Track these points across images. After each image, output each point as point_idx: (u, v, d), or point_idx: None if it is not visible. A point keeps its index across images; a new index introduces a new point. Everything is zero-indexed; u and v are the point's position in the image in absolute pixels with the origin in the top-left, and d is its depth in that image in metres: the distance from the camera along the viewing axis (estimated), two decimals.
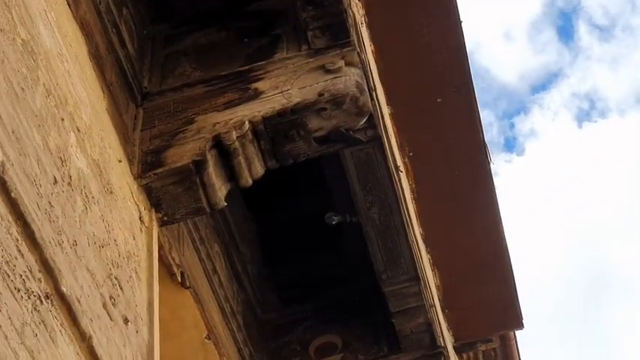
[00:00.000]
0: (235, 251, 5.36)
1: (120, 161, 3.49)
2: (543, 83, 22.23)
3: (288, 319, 5.67)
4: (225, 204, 3.74)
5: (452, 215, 5.89)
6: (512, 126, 20.33)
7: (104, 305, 3.04)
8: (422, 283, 5.23)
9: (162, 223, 3.86)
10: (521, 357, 7.76)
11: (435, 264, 6.10)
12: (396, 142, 5.42)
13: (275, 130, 3.73)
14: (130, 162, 3.60)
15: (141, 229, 3.67)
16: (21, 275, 2.37)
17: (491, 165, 5.69)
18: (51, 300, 2.53)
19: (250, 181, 3.79)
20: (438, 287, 6.27)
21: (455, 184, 5.73)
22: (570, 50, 20.91)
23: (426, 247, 5.96)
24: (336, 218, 5.01)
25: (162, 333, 4.48)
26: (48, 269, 2.54)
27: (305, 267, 5.74)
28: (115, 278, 3.22)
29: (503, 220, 6.06)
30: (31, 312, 2.38)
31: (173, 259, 4.16)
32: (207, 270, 4.72)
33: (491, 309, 6.39)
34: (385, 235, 5.00)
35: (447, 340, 6.06)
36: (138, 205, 3.54)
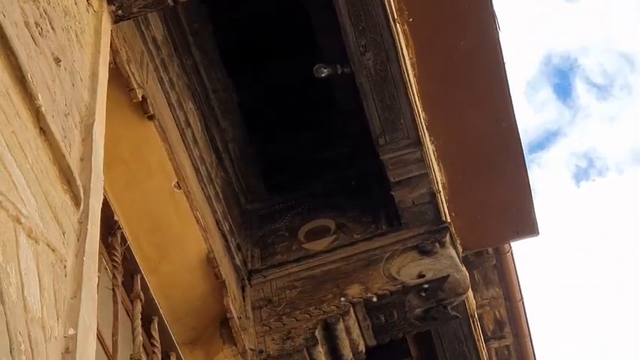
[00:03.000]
0: (215, 126, 4.76)
1: None
2: (541, 142, 21.95)
3: (276, 208, 5.05)
4: None
5: (457, 97, 5.28)
6: None
7: (26, 25, 2.45)
8: (425, 149, 4.61)
9: (116, 19, 3.30)
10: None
11: (440, 156, 5.48)
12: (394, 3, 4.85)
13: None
14: None
15: (87, 9, 3.10)
16: None
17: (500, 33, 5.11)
18: None
19: None
20: (444, 185, 5.63)
21: (460, 57, 5.13)
22: (568, 109, 20.80)
23: (430, 137, 5.34)
24: (325, 70, 4.41)
25: (125, 179, 3.88)
26: None
27: (292, 149, 5.14)
28: (45, 13, 2.64)
29: (514, 105, 5.46)
30: None
31: (132, 74, 3.57)
32: (177, 117, 4.12)
33: (502, 212, 5.74)
34: (382, 88, 4.40)
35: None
36: None
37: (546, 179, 19.67)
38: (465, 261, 7.33)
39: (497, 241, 5.89)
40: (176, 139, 4.02)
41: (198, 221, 4.02)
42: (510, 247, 6.98)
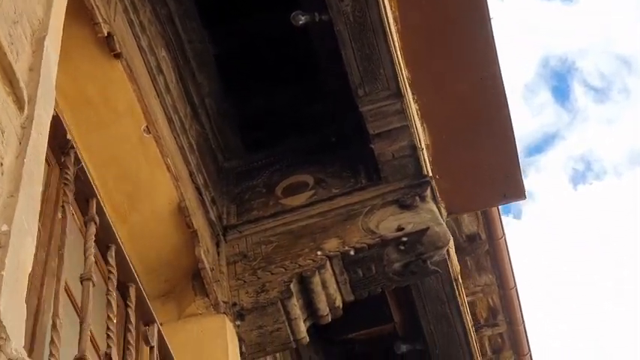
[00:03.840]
0: (191, 79, 4.63)
1: None
2: (539, 145, 21.70)
3: (254, 166, 4.92)
4: None
5: (441, 54, 5.15)
6: None
7: None
8: (405, 101, 4.49)
9: None
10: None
11: (423, 116, 5.35)
12: None
13: None
14: None
15: None
16: None
17: None
18: None
19: None
20: (427, 147, 5.51)
21: (444, 12, 5.00)
22: (566, 112, 20.61)
23: (413, 95, 5.21)
24: (303, 17, 4.28)
25: (91, 121, 3.76)
26: None
27: (270, 105, 5.00)
28: None
29: (501, 66, 5.34)
30: None
31: (97, 7, 3.43)
32: (148, 62, 3.98)
33: (488, 175, 5.62)
34: (361, 36, 4.26)
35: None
36: None
37: (544, 183, 19.54)
38: (458, 247, 7.25)
39: (484, 204, 5.78)
40: (146, 84, 3.89)
41: (169, 168, 3.89)
42: (504, 232, 6.88)
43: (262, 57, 4.87)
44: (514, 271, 7.00)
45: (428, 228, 4.20)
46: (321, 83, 4.83)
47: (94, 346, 2.72)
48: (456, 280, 5.23)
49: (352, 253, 4.18)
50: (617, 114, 20.26)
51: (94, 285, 2.34)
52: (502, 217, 6.76)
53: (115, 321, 2.49)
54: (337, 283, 4.21)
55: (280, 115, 5.00)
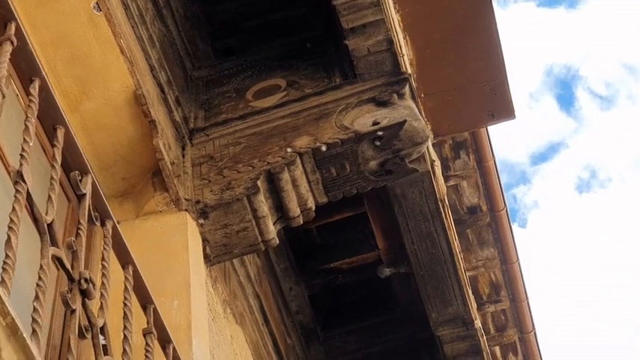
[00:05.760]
0: None
1: None
2: (544, 153, 21.37)
3: (224, 74, 4.64)
4: None
5: None
6: (513, 198, 19.38)
7: None
8: None
9: None
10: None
11: (406, 28, 5.07)
12: None
13: None
14: None
15: None
16: None
17: None
18: None
19: None
20: (411, 62, 5.22)
21: None
22: (572, 119, 20.26)
23: (395, 4, 4.93)
24: None
25: None
26: None
27: (242, 9, 4.72)
28: None
29: None
30: None
31: None
32: None
33: (475, 93, 5.33)
34: None
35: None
36: None
37: (549, 191, 19.18)
38: (458, 220, 6.98)
39: (472, 125, 5.49)
40: None
41: (122, 51, 3.61)
42: (505, 204, 6.60)
43: None
44: (516, 245, 6.73)
45: (404, 121, 3.91)
46: None
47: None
48: (442, 201, 4.94)
49: (324, 149, 3.90)
50: (622, 121, 19.89)
51: None
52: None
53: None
54: (309, 182, 3.93)
55: (253, 20, 4.72)
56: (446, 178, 6.53)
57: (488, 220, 6.68)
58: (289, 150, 3.92)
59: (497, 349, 7.40)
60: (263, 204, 3.79)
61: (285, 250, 5.32)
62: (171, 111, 4.06)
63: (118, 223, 3.68)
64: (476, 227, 6.92)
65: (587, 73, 20.59)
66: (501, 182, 6.51)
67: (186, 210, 3.73)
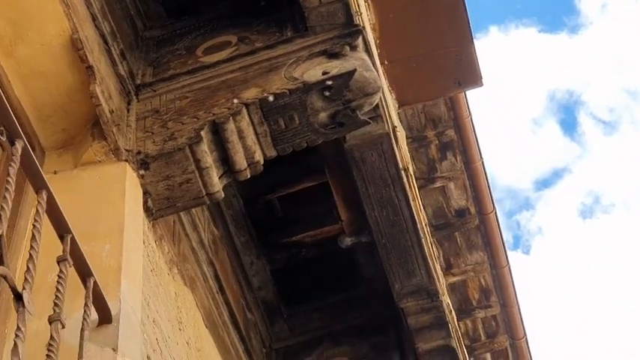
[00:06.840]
0: None
1: None
2: (547, 179, 21.21)
3: (176, 33, 4.52)
4: None
5: None
6: (517, 224, 19.25)
7: None
8: None
9: None
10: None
11: None
12: None
13: None
14: None
15: None
16: None
17: None
18: None
19: None
20: (373, 27, 5.11)
21: None
22: (575, 145, 20.16)
23: None
24: None
25: None
26: None
27: None
28: None
29: None
30: None
31: None
32: None
33: (441, 59, 5.22)
34: None
35: (390, 103, 4.88)
36: None
37: (553, 217, 19.02)
38: (446, 223, 6.83)
39: (438, 93, 5.39)
40: None
41: None
42: (494, 206, 6.46)
43: None
44: (506, 248, 6.61)
45: (354, 71, 3.78)
46: None
47: None
48: (406, 169, 4.81)
49: (271, 99, 3.76)
50: (625, 147, 19.76)
51: None
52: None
53: None
54: (256, 134, 3.80)
55: None
56: (432, 180, 6.40)
57: (476, 223, 6.55)
58: (236, 101, 3.79)
59: (487, 355, 7.25)
60: (207, 154, 3.65)
61: (245, 223, 5.18)
62: (116, 64, 3.93)
63: (55, 173, 3.55)
64: (464, 230, 6.79)
65: (590, 99, 20.52)
66: (490, 184, 6.38)
67: (126, 160, 3.59)
